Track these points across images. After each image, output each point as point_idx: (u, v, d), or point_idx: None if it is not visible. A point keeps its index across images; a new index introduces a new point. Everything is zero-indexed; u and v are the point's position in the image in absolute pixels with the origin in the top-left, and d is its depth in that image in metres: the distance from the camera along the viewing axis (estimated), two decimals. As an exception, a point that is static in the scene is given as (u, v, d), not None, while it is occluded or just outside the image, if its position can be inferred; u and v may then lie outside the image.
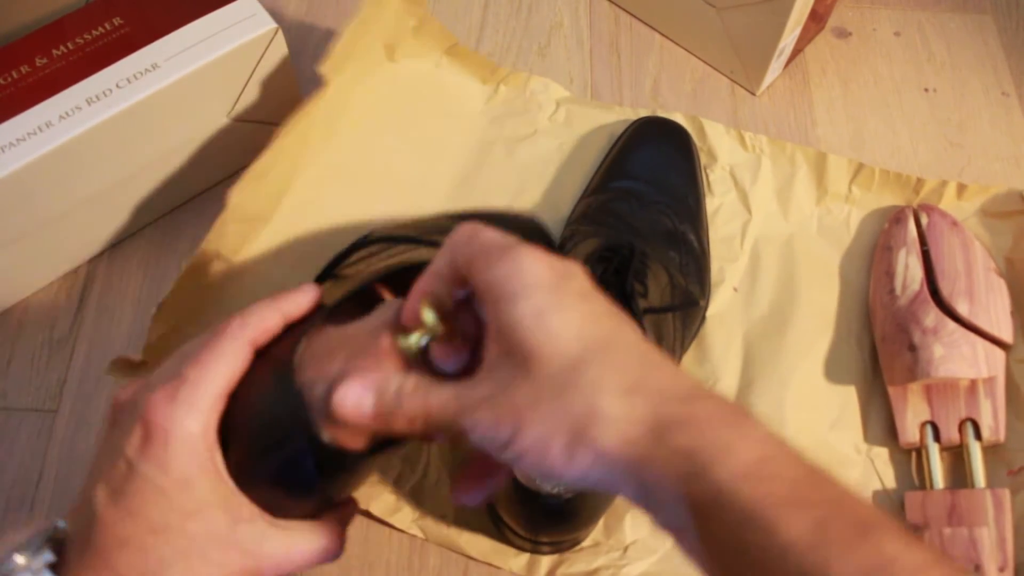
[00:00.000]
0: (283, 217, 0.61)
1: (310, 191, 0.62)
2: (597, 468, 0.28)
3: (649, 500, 0.28)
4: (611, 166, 0.62)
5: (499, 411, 0.29)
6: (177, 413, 0.32)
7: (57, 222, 0.56)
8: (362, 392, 0.31)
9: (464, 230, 0.32)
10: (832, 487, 0.27)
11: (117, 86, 0.54)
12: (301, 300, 0.37)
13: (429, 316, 0.32)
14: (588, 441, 0.27)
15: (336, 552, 0.35)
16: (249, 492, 0.34)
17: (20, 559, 0.31)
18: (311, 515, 0.36)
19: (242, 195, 0.55)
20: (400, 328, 0.34)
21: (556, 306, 0.29)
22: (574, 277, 0.30)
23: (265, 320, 0.36)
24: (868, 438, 0.56)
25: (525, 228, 0.48)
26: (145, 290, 0.60)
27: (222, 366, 0.34)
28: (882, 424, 0.56)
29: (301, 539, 0.34)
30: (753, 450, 0.27)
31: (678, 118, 0.65)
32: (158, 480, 0.32)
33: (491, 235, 0.31)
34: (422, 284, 0.33)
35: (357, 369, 0.33)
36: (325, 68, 0.58)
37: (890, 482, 0.55)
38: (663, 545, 0.52)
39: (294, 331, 0.37)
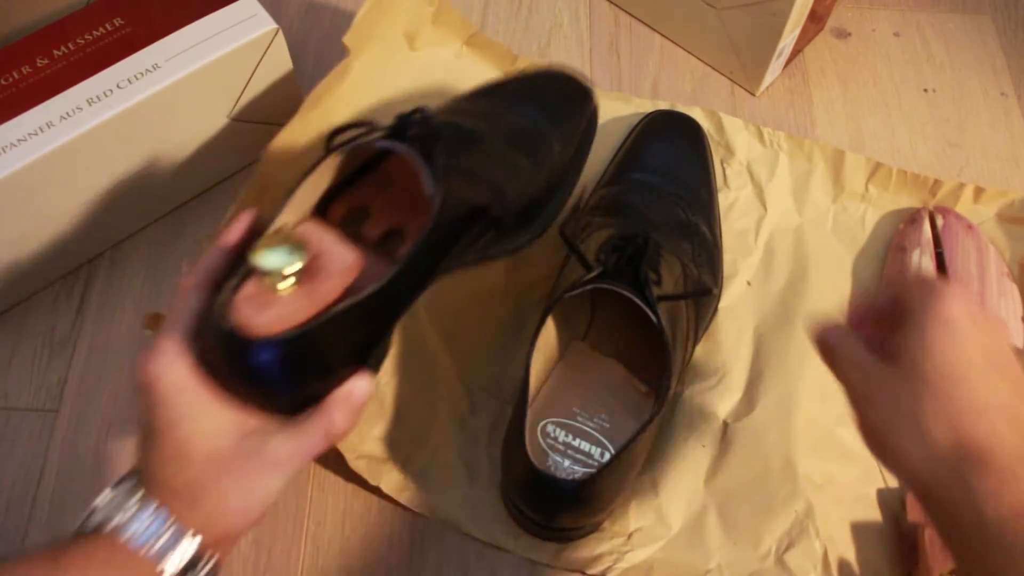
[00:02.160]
0: None
1: None
2: (903, 468, 0.34)
3: (928, 511, 0.34)
4: (624, 158, 0.62)
5: (869, 388, 0.36)
6: (157, 365, 0.37)
7: (58, 222, 0.56)
8: None
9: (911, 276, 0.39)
10: None
11: (118, 86, 0.54)
12: (238, 228, 0.41)
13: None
14: (904, 446, 0.34)
15: (337, 433, 0.38)
16: (243, 407, 0.38)
17: (106, 492, 0.37)
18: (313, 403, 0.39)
19: (274, 164, 0.54)
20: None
21: (947, 336, 0.35)
22: (988, 333, 0.35)
23: (210, 261, 0.40)
24: None
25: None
26: (146, 290, 0.60)
27: (182, 315, 0.38)
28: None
29: (306, 431, 0.38)
30: None
31: (696, 113, 0.66)
32: (162, 427, 0.37)
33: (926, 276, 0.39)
34: None
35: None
36: (348, 39, 0.58)
37: (892, 480, 0.55)
38: (667, 533, 0.52)
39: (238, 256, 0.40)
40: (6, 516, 0.52)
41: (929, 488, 0.33)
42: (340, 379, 0.39)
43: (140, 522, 0.35)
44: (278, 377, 0.36)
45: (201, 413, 0.37)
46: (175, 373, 0.37)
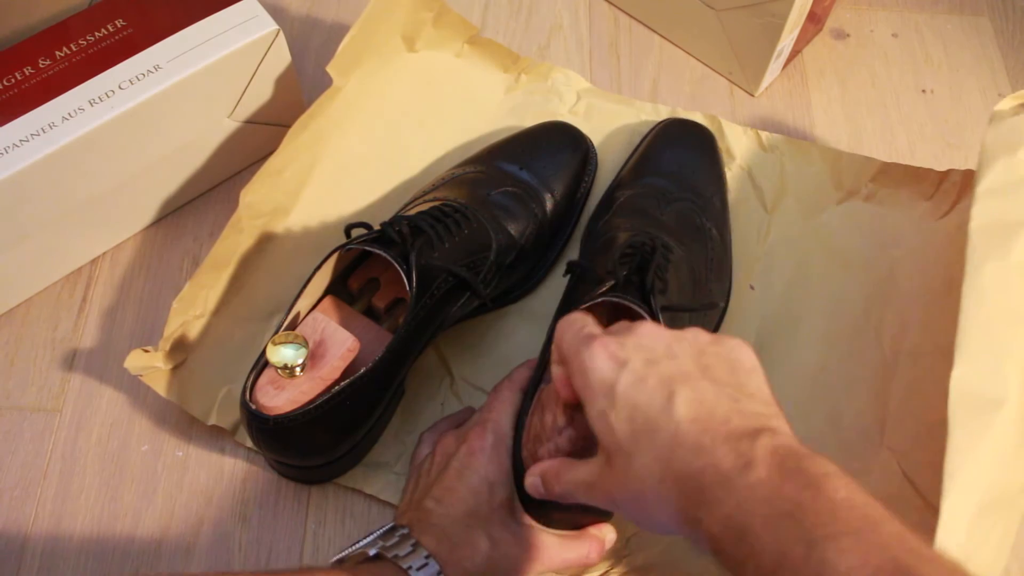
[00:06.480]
0: (303, 208, 0.61)
1: (329, 182, 0.63)
2: (666, 529, 0.36)
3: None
4: (638, 163, 0.62)
5: (598, 493, 0.39)
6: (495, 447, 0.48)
7: (59, 223, 0.56)
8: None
9: (560, 325, 0.41)
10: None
11: (120, 87, 0.54)
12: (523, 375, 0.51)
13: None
14: (651, 515, 0.36)
15: (592, 563, 0.49)
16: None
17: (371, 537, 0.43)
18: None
19: (256, 194, 0.56)
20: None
21: (611, 407, 0.36)
22: (630, 360, 0.37)
23: (521, 376, 0.51)
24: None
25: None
26: (147, 290, 0.60)
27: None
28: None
29: (575, 548, 0.48)
30: (727, 507, 0.33)
31: (698, 118, 0.66)
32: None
33: (568, 336, 0.40)
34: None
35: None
36: (332, 68, 0.58)
37: (895, 472, 0.54)
38: (664, 537, 0.52)
39: None
40: (8, 516, 0.53)
41: (699, 541, 0.34)
42: (344, 438, 0.50)
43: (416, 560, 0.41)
44: (289, 443, 0.48)
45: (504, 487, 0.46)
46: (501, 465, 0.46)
